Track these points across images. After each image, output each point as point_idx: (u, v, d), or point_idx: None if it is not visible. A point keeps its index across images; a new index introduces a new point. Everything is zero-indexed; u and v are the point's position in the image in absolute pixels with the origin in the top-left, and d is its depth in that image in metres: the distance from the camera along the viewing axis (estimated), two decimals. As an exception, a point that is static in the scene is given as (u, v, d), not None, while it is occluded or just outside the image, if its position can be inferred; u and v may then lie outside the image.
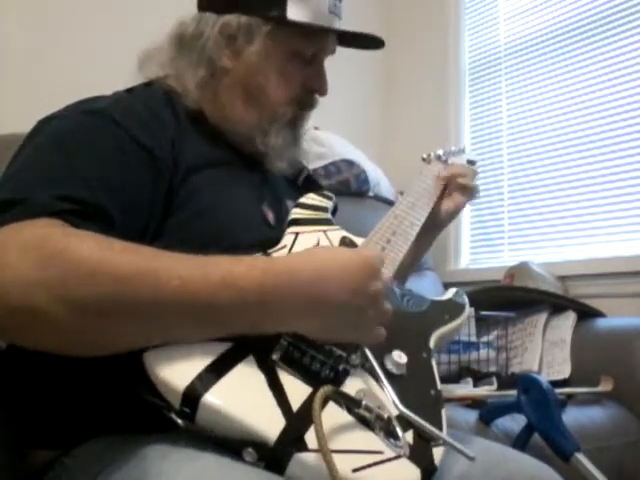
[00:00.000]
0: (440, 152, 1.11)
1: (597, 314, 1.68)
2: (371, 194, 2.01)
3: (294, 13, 0.86)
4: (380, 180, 2.07)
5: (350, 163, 1.97)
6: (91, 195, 0.68)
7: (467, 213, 2.25)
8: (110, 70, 1.67)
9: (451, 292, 0.89)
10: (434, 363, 0.75)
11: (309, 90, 0.92)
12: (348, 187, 1.93)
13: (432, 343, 0.78)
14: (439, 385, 0.73)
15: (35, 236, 0.60)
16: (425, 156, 1.11)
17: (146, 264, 0.60)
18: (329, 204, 0.93)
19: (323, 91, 0.93)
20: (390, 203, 2.05)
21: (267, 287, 0.62)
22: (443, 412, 0.69)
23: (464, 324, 0.86)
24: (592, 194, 1.90)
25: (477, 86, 2.31)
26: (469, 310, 0.87)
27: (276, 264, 0.65)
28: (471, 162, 1.13)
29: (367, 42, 0.93)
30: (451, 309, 0.85)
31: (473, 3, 2.35)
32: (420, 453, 0.63)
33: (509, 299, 1.72)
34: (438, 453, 0.64)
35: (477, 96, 2.31)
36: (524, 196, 2.09)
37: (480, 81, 2.30)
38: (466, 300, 0.88)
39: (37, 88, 1.68)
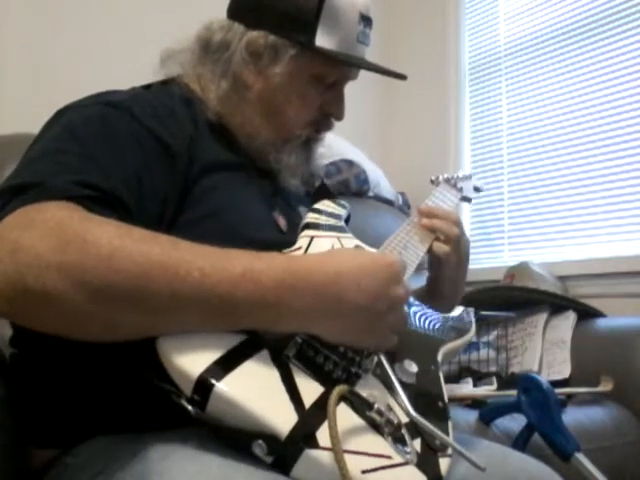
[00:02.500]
0: (448, 176, 1.10)
1: (597, 314, 1.68)
2: (371, 194, 2.01)
3: (322, 40, 0.86)
4: (380, 180, 2.07)
5: (350, 163, 1.97)
6: (107, 182, 0.68)
7: (467, 213, 2.26)
8: (111, 69, 1.68)
9: (459, 310, 0.89)
10: (442, 376, 0.76)
11: (326, 114, 0.93)
12: (348, 187, 1.93)
13: (440, 357, 0.79)
14: (446, 398, 0.73)
15: (54, 218, 0.60)
16: (433, 178, 1.10)
17: (165, 254, 0.60)
18: (343, 212, 0.93)
19: (340, 116, 0.94)
20: (390, 203, 2.06)
21: (286, 286, 0.62)
22: (450, 424, 0.69)
23: (470, 342, 0.87)
24: (592, 194, 1.90)
25: (477, 86, 2.31)
26: (475, 329, 0.87)
27: (296, 263, 0.65)
28: (477, 189, 1.13)
29: (389, 71, 0.93)
30: (459, 327, 0.85)
31: (473, 3, 2.35)
32: (427, 462, 0.63)
33: (509, 299, 1.72)
34: (444, 463, 0.64)
35: (477, 96, 2.31)
36: (524, 196, 2.10)
37: (480, 81, 2.30)
38: (473, 319, 0.89)
39: (38, 88, 1.68)
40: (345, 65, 0.90)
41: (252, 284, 0.61)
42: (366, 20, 0.90)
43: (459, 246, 0.95)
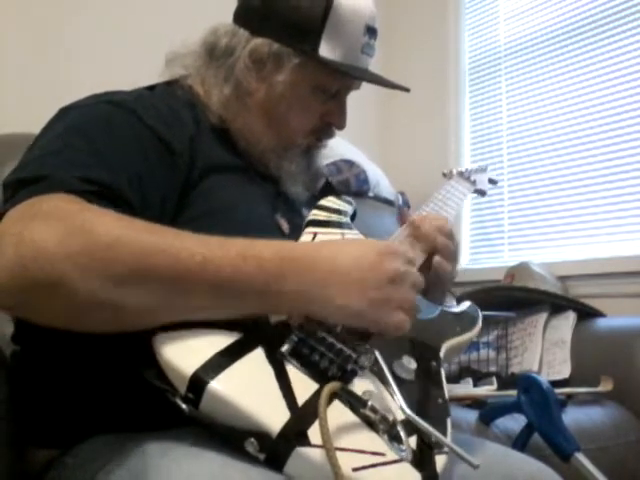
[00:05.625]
0: (462, 169, 1.09)
1: (597, 314, 1.68)
2: (371, 194, 2.01)
3: (326, 50, 0.86)
4: (380, 180, 2.07)
5: (350, 163, 1.97)
6: (112, 179, 0.68)
7: (467, 213, 2.26)
8: (112, 69, 1.68)
9: (465, 305, 0.89)
10: (443, 372, 0.75)
11: (328, 123, 0.93)
12: (348, 187, 1.93)
13: (442, 353, 0.78)
14: (447, 394, 0.73)
15: (57, 210, 0.60)
16: (446, 171, 1.09)
17: (168, 241, 0.61)
18: (349, 208, 0.93)
19: (342, 126, 0.94)
20: (390, 203, 2.06)
21: (286, 260, 0.64)
22: (449, 421, 0.69)
23: (474, 338, 0.86)
24: (592, 194, 1.90)
25: (477, 86, 2.31)
26: (480, 325, 0.87)
27: (296, 247, 0.68)
28: (492, 181, 1.12)
29: (392, 83, 0.94)
30: (464, 322, 0.85)
31: (473, 3, 2.35)
32: (422, 459, 0.63)
33: (509, 299, 1.72)
34: (440, 461, 0.64)
35: (477, 96, 2.31)
36: (524, 196, 2.10)
37: (480, 81, 2.30)
38: (480, 314, 0.88)
39: (37, 88, 1.68)
40: (348, 77, 0.90)
41: (253, 260, 0.62)
42: (371, 31, 0.89)
43: (449, 255, 0.91)
